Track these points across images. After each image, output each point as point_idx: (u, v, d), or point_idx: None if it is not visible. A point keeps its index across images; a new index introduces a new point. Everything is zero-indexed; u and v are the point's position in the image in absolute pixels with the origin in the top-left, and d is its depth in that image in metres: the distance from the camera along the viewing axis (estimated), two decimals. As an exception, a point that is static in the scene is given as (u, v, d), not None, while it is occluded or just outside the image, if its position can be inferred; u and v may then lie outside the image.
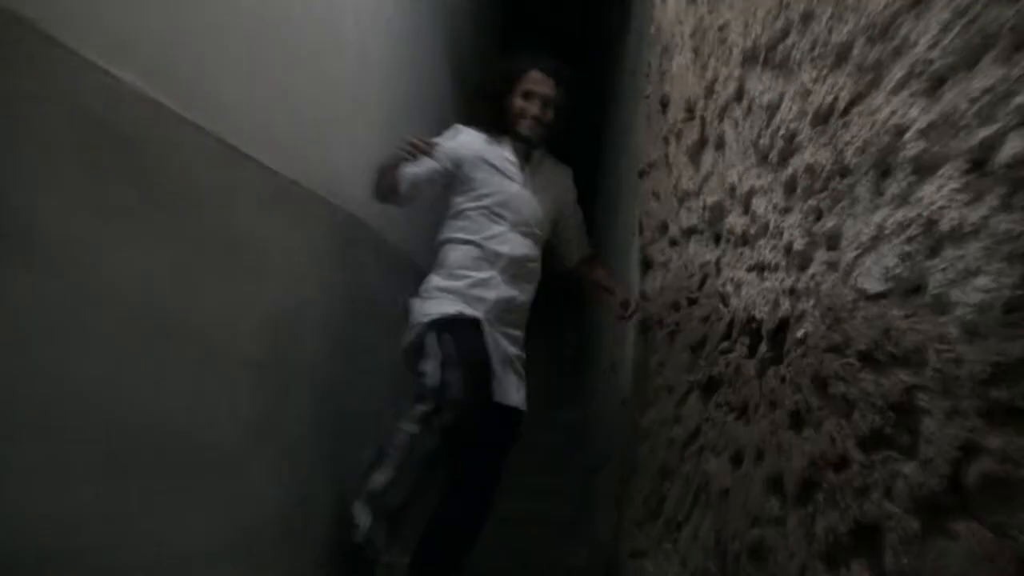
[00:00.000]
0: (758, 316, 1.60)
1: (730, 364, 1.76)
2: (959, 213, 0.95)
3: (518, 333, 2.55)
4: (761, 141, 1.66)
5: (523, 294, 2.52)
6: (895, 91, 1.12)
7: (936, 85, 1.03)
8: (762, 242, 1.62)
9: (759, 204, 1.65)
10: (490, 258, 2.42)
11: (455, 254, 2.43)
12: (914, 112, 1.07)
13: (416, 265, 3.24)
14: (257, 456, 1.85)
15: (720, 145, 1.97)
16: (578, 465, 4.89)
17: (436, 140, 2.48)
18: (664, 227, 2.51)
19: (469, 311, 2.33)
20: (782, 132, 1.54)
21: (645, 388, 2.55)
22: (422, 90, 3.69)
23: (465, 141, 2.53)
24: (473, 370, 2.26)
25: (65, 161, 1.08)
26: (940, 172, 1.00)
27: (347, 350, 2.54)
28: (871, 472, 1.12)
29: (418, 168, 2.41)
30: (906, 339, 1.05)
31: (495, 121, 2.55)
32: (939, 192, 1.00)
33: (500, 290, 2.42)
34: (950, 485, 0.94)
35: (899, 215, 1.09)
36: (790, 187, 1.49)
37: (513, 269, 2.47)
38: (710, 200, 2.00)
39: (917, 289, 1.04)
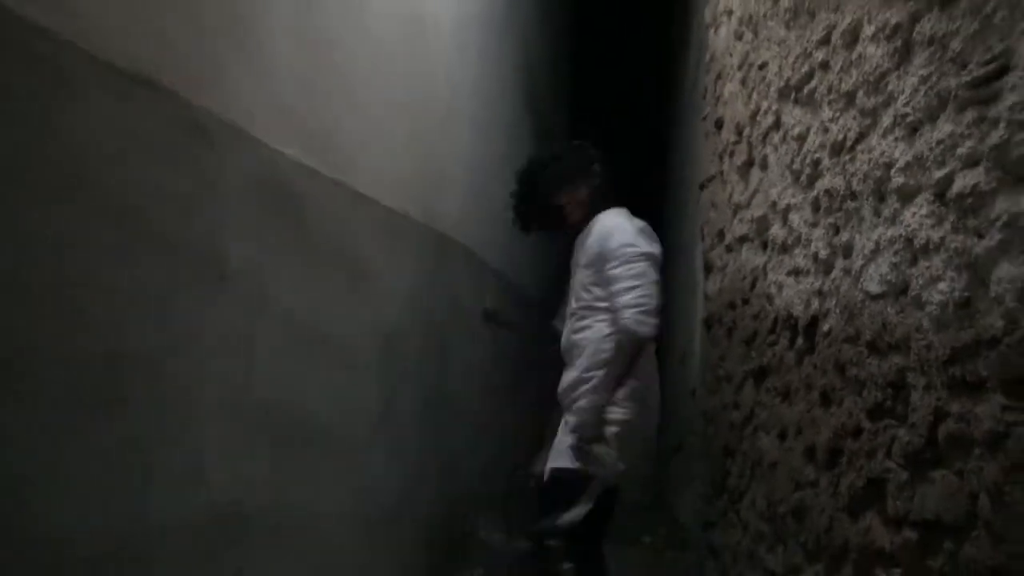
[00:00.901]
0: (795, 313, 1.90)
1: (776, 355, 2.05)
2: (927, 233, 1.25)
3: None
4: (794, 165, 1.95)
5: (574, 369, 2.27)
6: (885, 134, 1.42)
7: (911, 132, 1.32)
8: (797, 250, 1.91)
9: (794, 218, 1.95)
10: None
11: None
12: (897, 152, 1.36)
13: (492, 267, 3.64)
14: (377, 442, 2.22)
15: (764, 165, 2.26)
16: (656, 451, 5.16)
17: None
18: (721, 235, 2.80)
19: None
20: (809, 159, 1.83)
21: (709, 378, 2.84)
22: (505, 139, 4.06)
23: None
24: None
25: (249, 215, 1.47)
26: (916, 200, 1.30)
27: (444, 353, 2.91)
28: (877, 437, 1.41)
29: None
30: (897, 330, 1.34)
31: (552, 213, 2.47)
32: (914, 216, 1.29)
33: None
34: (928, 442, 1.24)
35: (890, 233, 1.38)
36: (816, 206, 1.78)
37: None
38: (757, 213, 2.29)
39: (904, 291, 1.33)
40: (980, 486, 1.09)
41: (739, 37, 2.70)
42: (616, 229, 2.18)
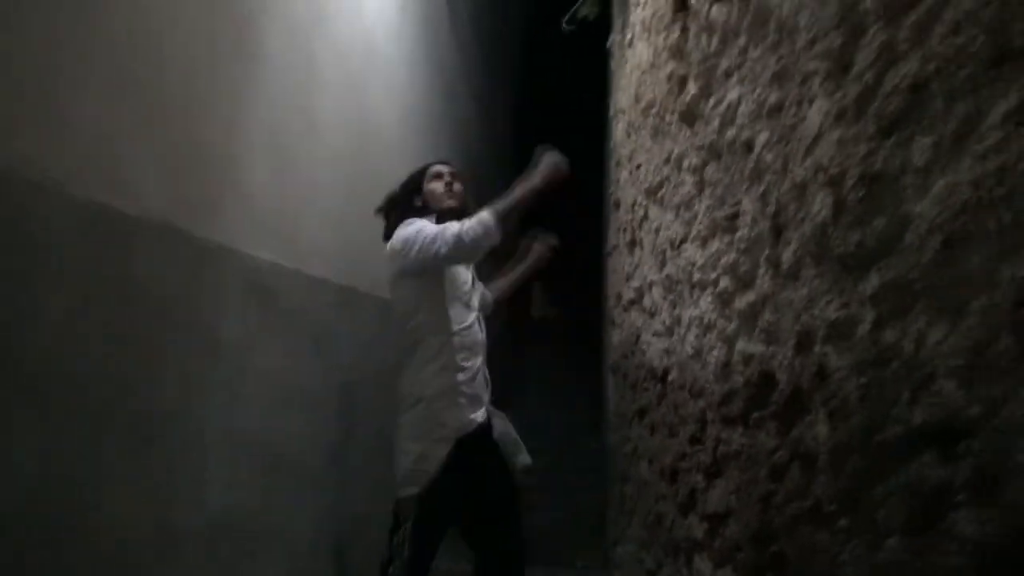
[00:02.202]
0: (656, 366, 2.46)
1: (648, 398, 2.62)
2: (709, 316, 1.82)
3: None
4: (655, 251, 2.54)
5: None
6: (692, 241, 2.00)
7: (703, 243, 1.91)
8: (657, 317, 2.49)
9: (655, 292, 2.53)
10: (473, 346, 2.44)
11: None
12: (697, 256, 1.94)
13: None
14: (335, 471, 2.72)
15: (641, 246, 2.85)
16: (599, 483, 5.69)
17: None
18: (619, 296, 3.39)
19: None
20: (660, 249, 2.42)
21: (613, 416, 3.41)
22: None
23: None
24: None
25: (237, 306, 1.98)
26: (705, 292, 1.87)
27: (390, 396, 3.42)
28: (693, 458, 1.97)
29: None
30: (699, 382, 1.91)
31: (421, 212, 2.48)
32: (704, 303, 1.87)
33: None
34: (712, 460, 1.79)
35: (694, 313, 1.96)
36: (664, 285, 2.36)
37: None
38: (636, 284, 2.87)
39: (700, 353, 1.90)
40: (732, 487, 1.65)
41: (628, 135, 3.31)
42: None
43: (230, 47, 1.97)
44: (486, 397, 2.43)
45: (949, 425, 0.82)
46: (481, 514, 2.39)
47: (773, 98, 1.43)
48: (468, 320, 2.41)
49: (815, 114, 1.21)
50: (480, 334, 2.46)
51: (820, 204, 1.16)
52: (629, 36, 3.37)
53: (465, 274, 2.48)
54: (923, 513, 0.87)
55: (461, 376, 2.32)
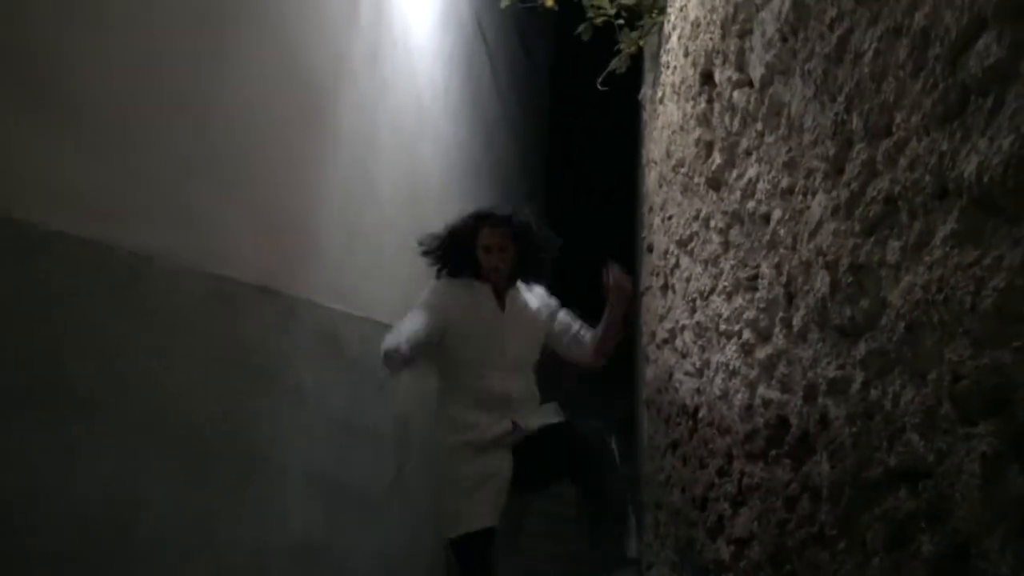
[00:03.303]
0: (687, 403, 2.70)
1: (680, 432, 2.85)
2: (734, 363, 2.06)
3: None
4: (686, 297, 2.79)
5: None
6: (719, 294, 2.25)
7: (728, 298, 2.15)
8: (688, 359, 2.73)
9: (687, 336, 2.77)
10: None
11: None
12: (723, 308, 2.19)
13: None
14: (392, 499, 2.98)
15: (673, 291, 3.10)
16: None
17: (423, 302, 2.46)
18: (653, 335, 3.63)
19: None
20: (691, 297, 2.67)
21: (648, 447, 3.63)
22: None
23: (445, 301, 2.50)
24: None
25: (313, 353, 2.26)
26: (731, 341, 2.12)
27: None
28: (720, 488, 2.20)
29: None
30: (726, 420, 2.15)
31: (472, 268, 2.57)
32: (729, 351, 2.11)
33: None
34: (738, 490, 2.02)
35: (721, 359, 2.20)
36: (695, 331, 2.61)
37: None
38: (669, 325, 3.12)
39: (726, 395, 2.14)
40: (755, 514, 1.88)
41: (660, 185, 3.57)
42: None
43: (308, 124, 2.27)
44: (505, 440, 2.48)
45: (914, 467, 1.06)
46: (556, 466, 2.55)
47: (785, 182, 1.69)
48: (482, 378, 2.49)
49: (816, 205, 1.46)
50: (504, 389, 2.50)
51: (820, 282, 1.41)
52: (660, 94, 3.64)
53: (478, 333, 2.51)
54: (898, 536, 1.11)
55: (469, 435, 2.43)
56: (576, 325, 2.71)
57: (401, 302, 3.13)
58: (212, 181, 1.73)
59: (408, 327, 2.24)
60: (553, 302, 2.76)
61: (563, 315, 2.74)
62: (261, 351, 1.95)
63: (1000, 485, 0.85)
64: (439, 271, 2.59)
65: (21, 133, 1.20)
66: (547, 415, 2.62)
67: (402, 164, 3.19)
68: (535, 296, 2.72)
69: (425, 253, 2.59)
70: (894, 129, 1.15)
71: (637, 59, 4.52)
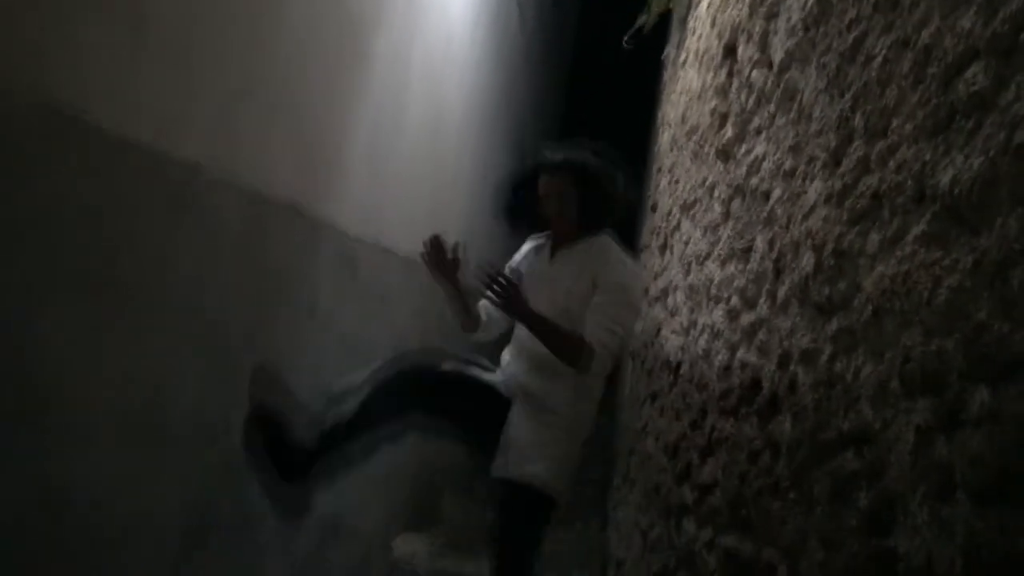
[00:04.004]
0: (671, 359, 2.86)
1: (661, 384, 3.02)
2: (719, 325, 2.21)
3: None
4: (682, 260, 2.93)
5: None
6: (713, 260, 2.39)
7: (723, 264, 2.29)
8: (677, 317, 2.88)
9: (678, 296, 2.92)
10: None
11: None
12: (715, 274, 2.33)
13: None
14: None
15: (671, 251, 3.24)
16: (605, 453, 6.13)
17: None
18: (646, 291, 3.78)
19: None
20: (687, 260, 2.81)
21: (629, 397, 3.82)
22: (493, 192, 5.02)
23: (518, 258, 2.58)
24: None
25: (330, 275, 2.40)
26: (719, 306, 2.26)
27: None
28: (691, 439, 2.37)
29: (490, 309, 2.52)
30: (704, 378, 2.31)
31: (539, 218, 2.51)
32: (717, 315, 2.26)
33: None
34: (707, 443, 2.19)
35: (707, 321, 2.35)
36: (686, 292, 2.75)
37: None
38: (662, 284, 3.26)
39: (708, 355, 2.30)
40: (720, 464, 2.05)
41: (671, 148, 3.68)
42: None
43: (347, 56, 2.37)
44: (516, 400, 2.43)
45: (862, 433, 1.22)
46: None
47: (788, 164, 1.81)
48: (515, 330, 2.54)
49: (812, 190, 1.59)
50: (520, 346, 2.49)
51: (806, 261, 1.55)
52: (683, 58, 3.71)
53: (526, 286, 2.44)
54: (841, 491, 1.27)
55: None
56: (590, 315, 2.39)
57: (415, 234, 3.27)
58: (257, 104, 1.84)
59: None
60: (605, 275, 2.39)
61: (596, 298, 2.40)
62: (284, 264, 2.08)
63: (927, 452, 1.01)
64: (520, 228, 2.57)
65: (97, 43, 1.31)
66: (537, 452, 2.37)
67: (428, 102, 3.29)
68: (596, 260, 2.43)
69: (499, 213, 2.67)
70: (889, 133, 1.27)
71: (664, 19, 4.56)
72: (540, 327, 2.31)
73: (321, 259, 2.32)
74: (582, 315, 2.35)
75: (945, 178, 1.06)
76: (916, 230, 1.13)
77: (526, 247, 2.62)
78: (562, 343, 2.31)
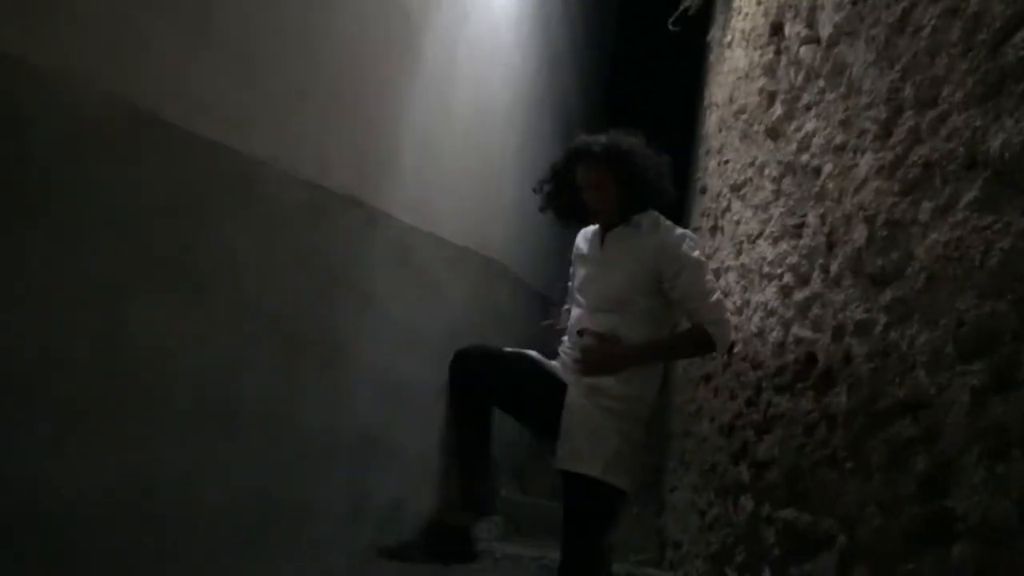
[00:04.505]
0: (725, 339, 2.87)
1: (715, 365, 3.03)
2: (772, 303, 2.22)
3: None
4: (733, 240, 2.93)
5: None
6: (765, 239, 2.39)
7: (775, 243, 2.30)
8: (730, 298, 2.89)
9: (731, 276, 2.92)
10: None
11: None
12: (768, 253, 2.34)
13: (519, 277, 4.66)
14: (439, 404, 3.23)
15: (722, 233, 3.24)
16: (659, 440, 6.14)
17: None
18: (698, 274, 3.78)
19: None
20: (738, 240, 2.81)
21: (681, 379, 3.83)
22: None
23: (578, 253, 2.65)
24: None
25: (385, 263, 2.48)
26: (772, 284, 2.27)
27: (487, 341, 3.92)
28: (747, 417, 2.39)
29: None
30: (760, 356, 2.32)
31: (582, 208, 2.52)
32: (769, 293, 2.27)
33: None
34: (764, 419, 2.21)
35: (760, 299, 2.36)
36: (739, 272, 2.76)
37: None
38: (714, 265, 3.26)
39: (762, 333, 2.31)
40: (778, 441, 2.07)
41: (719, 129, 3.67)
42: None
43: (397, 52, 2.43)
44: (572, 392, 2.42)
45: (917, 399, 1.23)
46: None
47: (839, 139, 1.81)
48: (573, 316, 2.56)
49: (864, 164, 1.60)
50: (582, 326, 2.46)
51: (859, 233, 1.56)
52: (729, 39, 3.70)
53: (580, 273, 2.57)
54: (897, 457, 1.29)
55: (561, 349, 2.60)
56: (689, 303, 2.34)
57: (464, 221, 3.32)
58: (315, 100, 1.91)
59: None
60: (671, 254, 2.32)
61: (679, 281, 2.32)
62: (343, 255, 2.15)
63: (982, 413, 1.02)
64: (562, 205, 2.57)
65: (166, 44, 1.39)
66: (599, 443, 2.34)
67: (476, 92, 3.34)
68: (651, 240, 2.38)
69: (542, 206, 2.62)
70: (940, 101, 1.28)
71: (708, 1, 4.54)
72: (654, 355, 2.42)
73: (377, 248, 2.38)
74: (648, 288, 2.36)
75: (996, 143, 1.07)
76: (968, 196, 1.14)
77: (580, 238, 2.67)
78: (681, 351, 2.61)
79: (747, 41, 3.16)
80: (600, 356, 2.36)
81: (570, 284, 2.68)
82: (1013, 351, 0.96)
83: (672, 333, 2.51)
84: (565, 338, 2.60)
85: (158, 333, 1.43)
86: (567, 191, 2.51)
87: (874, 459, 1.38)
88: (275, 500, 1.89)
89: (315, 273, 2.02)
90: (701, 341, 2.34)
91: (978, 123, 1.13)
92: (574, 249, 2.67)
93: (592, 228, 2.59)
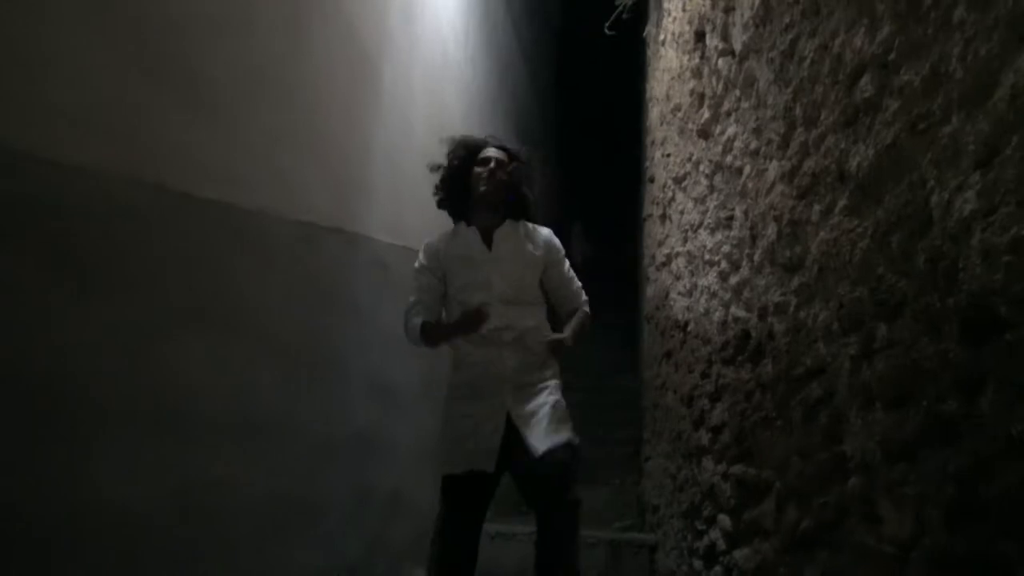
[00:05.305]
0: (679, 319, 3.18)
1: (673, 343, 3.34)
2: (714, 287, 2.52)
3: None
4: (680, 228, 3.23)
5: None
6: (704, 229, 2.69)
7: (712, 232, 2.59)
8: (680, 281, 3.19)
9: (680, 262, 3.22)
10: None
11: None
12: (707, 242, 2.63)
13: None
14: (424, 401, 3.51)
15: (670, 220, 3.54)
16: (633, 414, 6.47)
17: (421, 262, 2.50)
18: (653, 257, 4.08)
19: None
20: (683, 228, 3.11)
21: (646, 357, 4.14)
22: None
23: (442, 254, 2.51)
24: None
25: (367, 277, 2.73)
26: (712, 270, 2.57)
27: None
28: (702, 388, 2.69)
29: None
30: (708, 333, 2.62)
31: (463, 198, 2.52)
32: (711, 277, 2.56)
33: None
34: (715, 390, 2.51)
35: (704, 283, 2.66)
36: (686, 258, 3.06)
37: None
38: (665, 251, 3.56)
39: (708, 313, 2.61)
40: (727, 408, 2.37)
41: (660, 123, 3.96)
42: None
43: (359, 85, 2.68)
44: (506, 388, 2.38)
45: (819, 367, 1.53)
46: (525, 486, 2.35)
47: (753, 145, 2.10)
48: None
49: (772, 169, 1.89)
50: (498, 328, 2.39)
51: (771, 229, 1.85)
52: (663, 37, 3.98)
53: (467, 274, 2.47)
54: (810, 414, 1.59)
55: (465, 374, 2.43)
56: (569, 287, 2.61)
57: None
58: (293, 145, 2.16)
59: (424, 300, 2.40)
60: (556, 246, 2.58)
61: (560, 270, 2.59)
62: (330, 277, 2.41)
63: (857, 376, 1.32)
64: (449, 212, 2.59)
65: (166, 118, 1.63)
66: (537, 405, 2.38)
67: (432, 108, 3.59)
68: (536, 236, 2.56)
69: (439, 202, 2.59)
70: (819, 123, 1.57)
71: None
72: (576, 339, 2.53)
73: (359, 266, 2.64)
74: (533, 283, 2.53)
75: (855, 161, 1.36)
76: (841, 203, 1.43)
77: (439, 243, 2.54)
78: (584, 332, 2.59)
79: (677, 43, 3.44)
80: (560, 352, 2.51)
81: (419, 297, 2.46)
82: (871, 328, 1.26)
83: (575, 318, 2.60)
84: (473, 365, 2.43)
85: (191, 364, 1.69)
86: (459, 178, 2.52)
87: (794, 417, 1.68)
88: (294, 497, 2.16)
89: (308, 296, 2.28)
90: (586, 320, 2.61)
91: (842, 145, 1.42)
92: (428, 259, 2.50)
93: (458, 232, 2.55)
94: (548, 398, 2.39)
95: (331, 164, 2.42)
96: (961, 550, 1.01)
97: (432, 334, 2.39)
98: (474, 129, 4.55)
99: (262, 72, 1.98)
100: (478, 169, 2.50)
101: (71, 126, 1.34)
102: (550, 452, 2.26)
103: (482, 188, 2.47)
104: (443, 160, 2.55)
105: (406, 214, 3.22)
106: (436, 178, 2.55)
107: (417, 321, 2.38)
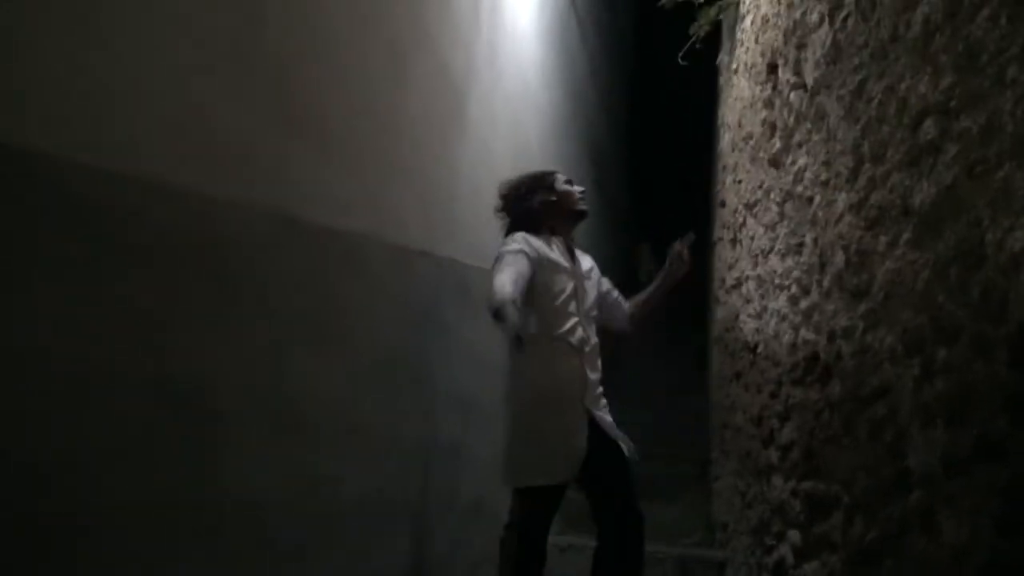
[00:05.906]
0: (749, 340, 3.27)
1: (743, 364, 3.43)
2: (784, 310, 2.62)
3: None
4: (751, 253, 3.33)
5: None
6: (775, 254, 2.79)
7: (783, 258, 2.70)
8: (751, 304, 3.29)
9: (751, 285, 3.32)
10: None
11: None
12: (778, 267, 2.74)
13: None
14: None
15: (740, 244, 3.64)
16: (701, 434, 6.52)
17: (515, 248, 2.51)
18: (723, 280, 4.18)
19: None
20: (754, 253, 3.21)
21: (716, 378, 4.22)
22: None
23: (537, 251, 2.56)
24: None
25: (452, 297, 2.92)
26: (783, 293, 2.67)
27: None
28: (771, 409, 2.78)
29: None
30: (777, 355, 2.72)
31: (540, 222, 2.67)
32: (781, 301, 2.67)
33: None
34: (785, 409, 2.60)
35: (775, 306, 2.76)
36: (756, 281, 3.16)
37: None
38: (736, 274, 3.66)
39: (778, 336, 2.71)
40: (796, 427, 2.47)
41: (732, 149, 4.06)
42: None
43: (450, 119, 2.89)
44: (587, 396, 2.56)
45: (884, 387, 1.64)
46: (595, 490, 2.53)
47: (823, 176, 2.22)
48: (566, 326, 2.53)
49: (840, 200, 2.00)
50: (583, 339, 2.56)
51: (839, 257, 1.96)
52: (735, 66, 4.10)
53: (562, 282, 2.58)
54: (875, 431, 1.69)
55: (553, 381, 2.50)
56: (616, 292, 2.96)
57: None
58: (394, 175, 2.37)
59: (517, 276, 2.28)
60: (596, 266, 2.89)
61: (607, 281, 2.93)
62: (420, 297, 2.61)
63: (919, 395, 1.43)
64: (517, 211, 2.71)
65: (302, 161, 1.85)
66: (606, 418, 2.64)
67: (512, 134, 3.79)
68: (586, 257, 2.84)
69: (508, 216, 2.75)
70: (885, 160, 1.69)
71: (715, 26, 4.93)
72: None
73: (446, 287, 2.83)
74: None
75: (918, 198, 1.48)
76: (905, 236, 1.55)
77: (536, 240, 2.59)
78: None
79: (749, 73, 3.55)
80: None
81: (518, 281, 2.31)
82: (931, 352, 1.37)
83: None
84: (557, 364, 2.53)
85: (305, 377, 1.89)
86: (533, 204, 2.69)
87: (860, 435, 1.78)
88: (388, 497, 2.35)
89: (402, 315, 2.47)
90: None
91: (907, 182, 1.54)
92: (530, 249, 2.52)
93: (547, 238, 2.64)
94: (610, 415, 2.65)
95: (423, 192, 2.63)
96: (1009, 559, 1.12)
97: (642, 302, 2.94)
98: (548, 153, 4.73)
99: (372, 108, 2.19)
100: (570, 188, 2.77)
101: (229, 167, 1.56)
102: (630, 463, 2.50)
103: (581, 207, 2.76)
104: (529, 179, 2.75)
105: (486, 236, 3.40)
106: (531, 192, 2.70)
107: (513, 292, 2.19)
